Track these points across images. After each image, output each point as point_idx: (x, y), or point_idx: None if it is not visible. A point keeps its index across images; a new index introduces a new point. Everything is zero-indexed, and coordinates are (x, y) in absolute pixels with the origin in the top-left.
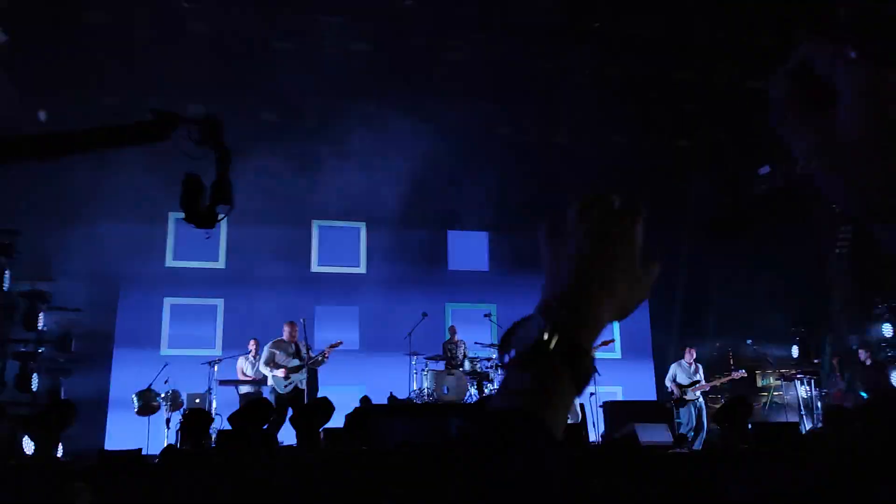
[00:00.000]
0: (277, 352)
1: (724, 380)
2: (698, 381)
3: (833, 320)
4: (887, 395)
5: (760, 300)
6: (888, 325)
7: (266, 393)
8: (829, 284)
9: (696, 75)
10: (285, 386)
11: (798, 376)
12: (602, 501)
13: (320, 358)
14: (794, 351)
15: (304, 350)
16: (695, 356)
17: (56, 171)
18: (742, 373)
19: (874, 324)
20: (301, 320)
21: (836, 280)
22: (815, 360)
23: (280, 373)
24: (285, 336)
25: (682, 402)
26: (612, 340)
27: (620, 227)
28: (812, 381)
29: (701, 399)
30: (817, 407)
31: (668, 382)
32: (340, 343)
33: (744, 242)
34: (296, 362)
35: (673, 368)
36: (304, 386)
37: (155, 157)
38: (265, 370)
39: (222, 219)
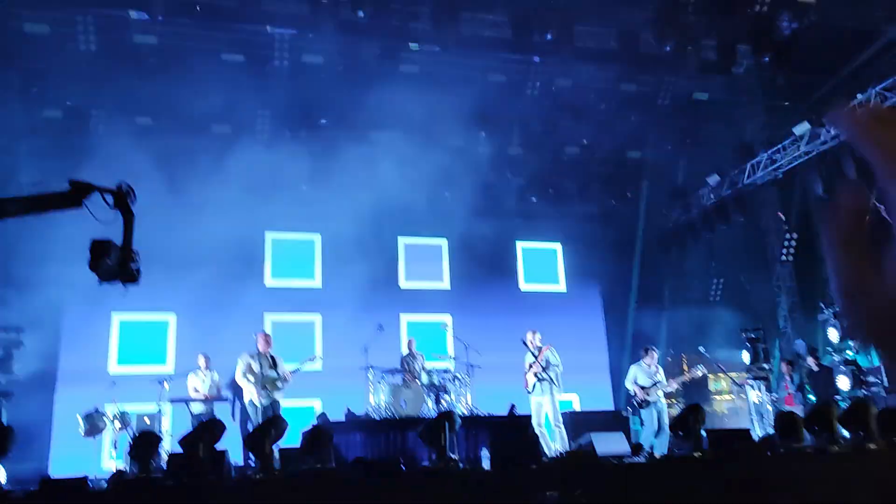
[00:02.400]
0: (255, 362)
1: (684, 378)
2: (658, 382)
3: (781, 326)
4: (830, 400)
5: (712, 307)
6: (833, 329)
7: (248, 405)
8: (776, 291)
9: (646, 87)
10: (264, 399)
11: (749, 381)
12: None
13: (288, 375)
14: (745, 356)
15: (280, 363)
16: (656, 358)
17: None
18: (701, 368)
19: (820, 329)
20: (254, 335)
21: (783, 286)
22: (766, 366)
23: (253, 389)
24: (260, 348)
25: (644, 403)
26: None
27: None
28: (763, 385)
29: (662, 401)
30: (768, 411)
31: (628, 384)
32: (315, 358)
33: (693, 250)
34: (273, 374)
35: (633, 370)
36: (280, 399)
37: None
38: (242, 381)
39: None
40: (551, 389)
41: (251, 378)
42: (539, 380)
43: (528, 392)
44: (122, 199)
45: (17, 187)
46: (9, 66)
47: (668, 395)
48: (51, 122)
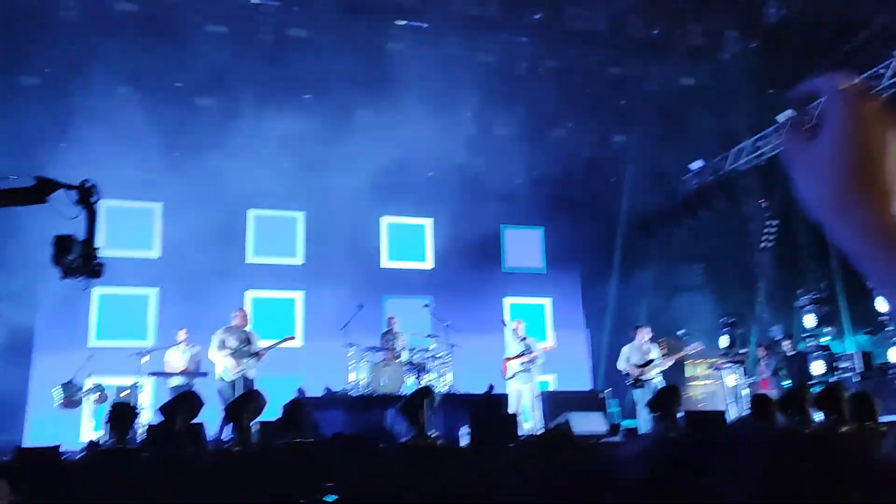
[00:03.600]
0: (229, 337)
1: (681, 354)
2: (653, 360)
3: (758, 311)
4: (804, 384)
5: (692, 292)
6: (810, 315)
7: (217, 380)
8: (755, 276)
9: (632, 70)
10: (234, 373)
11: (726, 365)
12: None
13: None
14: (723, 341)
15: (255, 340)
16: (647, 336)
17: None
18: (699, 345)
19: (797, 315)
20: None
21: (762, 272)
22: (743, 350)
23: (230, 360)
24: (237, 322)
25: (638, 383)
26: (553, 346)
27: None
28: (740, 369)
29: (659, 379)
30: (742, 395)
31: (620, 365)
32: (293, 338)
33: (675, 235)
34: (246, 349)
35: (625, 350)
36: (252, 376)
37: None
38: (215, 355)
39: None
40: (532, 378)
41: (223, 352)
42: (523, 370)
43: (506, 378)
44: (86, 196)
45: None
46: None
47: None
48: (28, 88)
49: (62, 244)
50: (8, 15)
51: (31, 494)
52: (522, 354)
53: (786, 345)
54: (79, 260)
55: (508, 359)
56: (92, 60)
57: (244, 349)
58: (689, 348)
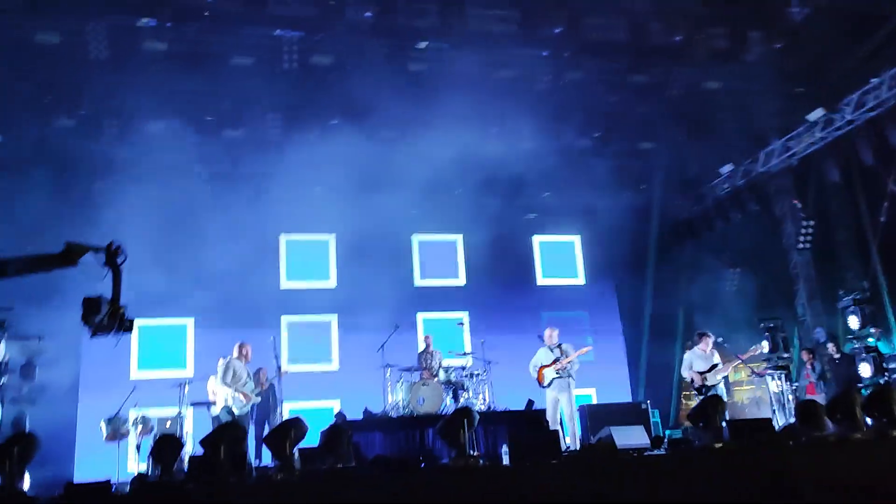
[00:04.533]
0: (238, 371)
1: (744, 356)
2: (717, 365)
3: (800, 314)
4: (852, 387)
5: (728, 297)
6: (854, 317)
7: (221, 412)
8: (793, 278)
9: (655, 78)
10: (245, 406)
11: (768, 371)
12: None
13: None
14: (764, 346)
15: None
16: (710, 343)
17: (9, 196)
18: (760, 346)
19: (840, 316)
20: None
21: (801, 274)
22: (785, 355)
23: (241, 396)
24: (239, 354)
25: (703, 389)
26: (589, 348)
27: None
28: (783, 375)
29: (722, 385)
30: (789, 401)
31: (684, 372)
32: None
33: (708, 240)
34: (251, 385)
35: (687, 357)
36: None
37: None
38: (224, 388)
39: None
40: (569, 385)
41: (234, 384)
42: (559, 376)
43: (544, 386)
44: (112, 258)
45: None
46: (21, 77)
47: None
48: (64, 131)
49: (89, 305)
50: (41, 60)
51: None
52: (556, 361)
53: (830, 348)
54: (105, 318)
55: (543, 367)
56: (124, 98)
57: (251, 384)
58: (752, 349)
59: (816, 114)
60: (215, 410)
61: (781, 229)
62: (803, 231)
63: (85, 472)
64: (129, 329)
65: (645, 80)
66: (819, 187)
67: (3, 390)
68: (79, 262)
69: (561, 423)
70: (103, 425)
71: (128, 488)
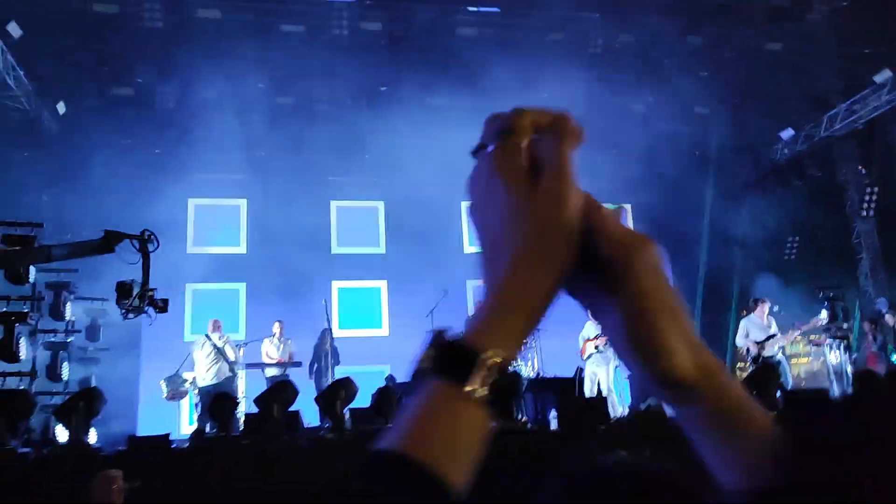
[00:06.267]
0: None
1: (806, 327)
2: (775, 335)
3: (862, 284)
4: None
5: (786, 266)
6: None
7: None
8: (855, 247)
9: (713, 39)
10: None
11: (828, 341)
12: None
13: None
14: (823, 315)
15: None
16: (766, 310)
17: (74, 165)
18: (821, 318)
19: None
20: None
21: (864, 242)
22: (845, 325)
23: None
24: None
25: (759, 359)
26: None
27: (499, 163)
28: (842, 345)
29: (781, 355)
30: (847, 373)
31: (739, 341)
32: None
33: (766, 207)
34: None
35: (744, 325)
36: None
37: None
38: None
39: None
40: (608, 362)
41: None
42: (598, 351)
43: (584, 359)
44: (143, 245)
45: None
46: (81, 47)
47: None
48: (122, 99)
49: (122, 289)
50: (98, 30)
51: (143, 479)
52: (599, 336)
53: (890, 318)
54: (136, 300)
55: (587, 340)
56: (178, 68)
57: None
58: (814, 321)
59: (883, 75)
60: (269, 372)
61: (844, 196)
62: (867, 198)
63: (147, 429)
64: (163, 309)
65: (702, 42)
66: (885, 153)
67: (70, 350)
68: (115, 249)
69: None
70: (163, 384)
71: (184, 445)
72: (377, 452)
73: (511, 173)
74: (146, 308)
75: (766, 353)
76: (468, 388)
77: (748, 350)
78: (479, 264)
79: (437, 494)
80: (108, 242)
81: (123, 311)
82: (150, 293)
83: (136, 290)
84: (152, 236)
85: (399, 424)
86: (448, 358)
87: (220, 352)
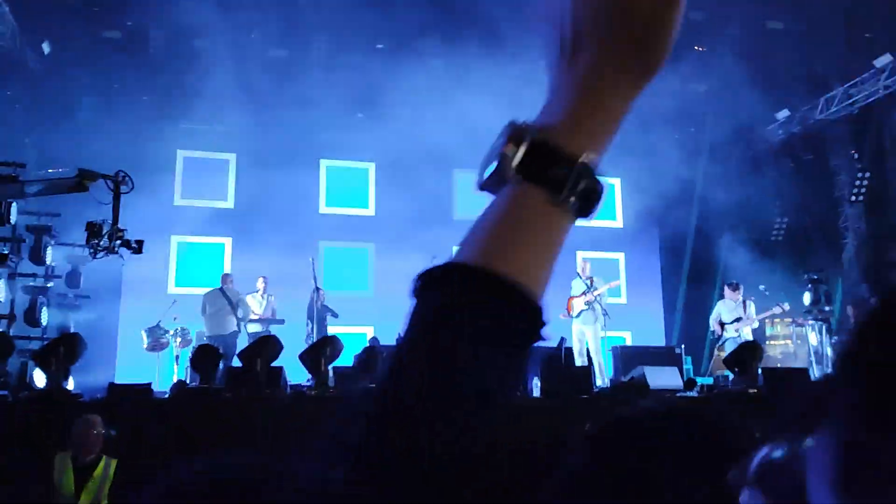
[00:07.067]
0: None
1: (765, 315)
2: (740, 318)
3: (846, 268)
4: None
5: (773, 247)
6: None
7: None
8: (841, 231)
9: (712, 13)
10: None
11: (809, 322)
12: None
13: None
14: (806, 297)
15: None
16: (740, 293)
17: (61, 111)
18: (784, 305)
19: (888, 271)
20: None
21: (850, 227)
22: (827, 308)
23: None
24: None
25: (720, 339)
26: (618, 282)
27: None
28: (824, 328)
29: (745, 337)
30: (827, 355)
31: (712, 322)
32: None
33: (757, 188)
34: None
35: (717, 307)
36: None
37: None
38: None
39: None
40: (596, 320)
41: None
42: (588, 308)
43: (573, 317)
44: (117, 185)
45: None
46: None
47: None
48: (111, 42)
49: (92, 229)
50: None
51: (123, 427)
52: (586, 293)
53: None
54: (105, 240)
55: (572, 298)
56: (170, 15)
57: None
58: (775, 308)
59: (884, 59)
60: (252, 327)
61: (834, 180)
62: (857, 183)
63: (125, 378)
64: (138, 251)
65: (702, 17)
66: (878, 138)
67: (49, 295)
68: (88, 188)
69: (589, 360)
70: (144, 335)
71: (165, 395)
72: (455, 267)
73: None
74: (118, 249)
75: (727, 334)
76: (563, 197)
77: (714, 331)
78: (550, 58)
79: (530, 319)
80: (82, 181)
81: (92, 250)
82: (121, 233)
83: (105, 230)
84: (126, 177)
85: (478, 236)
86: (540, 161)
87: (232, 305)
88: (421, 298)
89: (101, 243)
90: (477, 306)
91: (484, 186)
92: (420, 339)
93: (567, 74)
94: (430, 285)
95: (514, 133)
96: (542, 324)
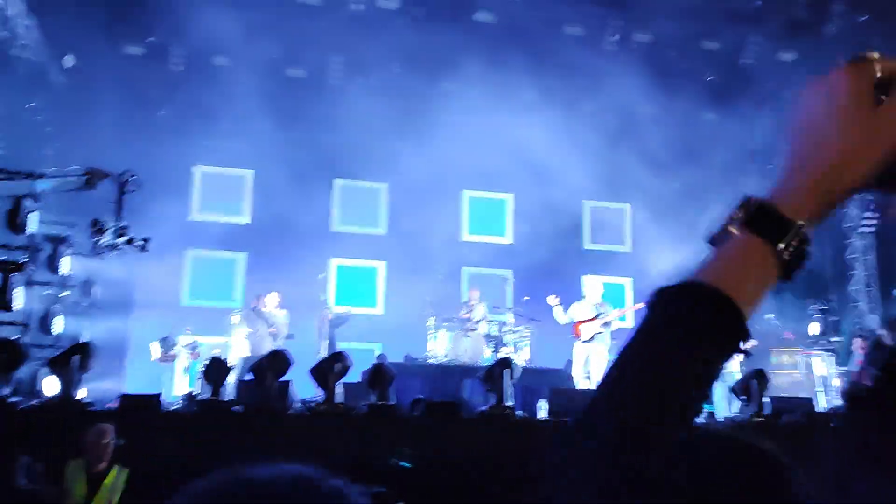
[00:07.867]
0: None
1: (610, 316)
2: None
3: (854, 299)
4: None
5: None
6: None
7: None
8: (848, 263)
9: (729, 45)
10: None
11: (816, 352)
12: None
13: None
14: (813, 328)
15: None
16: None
17: (82, 124)
18: (620, 310)
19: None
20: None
21: (859, 258)
22: (835, 338)
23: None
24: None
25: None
26: (632, 308)
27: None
28: (831, 358)
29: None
30: (831, 385)
31: None
32: None
33: None
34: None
35: None
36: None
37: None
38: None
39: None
40: (605, 342)
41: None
42: (601, 332)
43: (585, 341)
44: (121, 186)
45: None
46: (94, 2)
47: None
48: (133, 58)
49: (96, 227)
50: None
51: (133, 437)
52: (597, 317)
53: (885, 336)
54: (109, 238)
55: (578, 322)
56: (191, 32)
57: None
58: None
59: None
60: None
61: (843, 212)
62: (867, 215)
63: (134, 389)
64: (143, 248)
65: (718, 47)
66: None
67: (63, 304)
68: (97, 185)
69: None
70: (155, 346)
71: (175, 406)
72: (685, 285)
73: (857, 86)
74: (121, 246)
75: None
76: (781, 247)
77: None
78: (791, 149)
79: (739, 331)
80: (90, 178)
81: (93, 248)
82: (123, 231)
83: (109, 228)
84: (132, 179)
85: (707, 268)
86: (765, 219)
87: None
88: (659, 306)
89: (105, 240)
90: (706, 316)
91: (712, 240)
92: (650, 341)
93: (792, 172)
94: (671, 297)
95: (745, 201)
96: (746, 339)
